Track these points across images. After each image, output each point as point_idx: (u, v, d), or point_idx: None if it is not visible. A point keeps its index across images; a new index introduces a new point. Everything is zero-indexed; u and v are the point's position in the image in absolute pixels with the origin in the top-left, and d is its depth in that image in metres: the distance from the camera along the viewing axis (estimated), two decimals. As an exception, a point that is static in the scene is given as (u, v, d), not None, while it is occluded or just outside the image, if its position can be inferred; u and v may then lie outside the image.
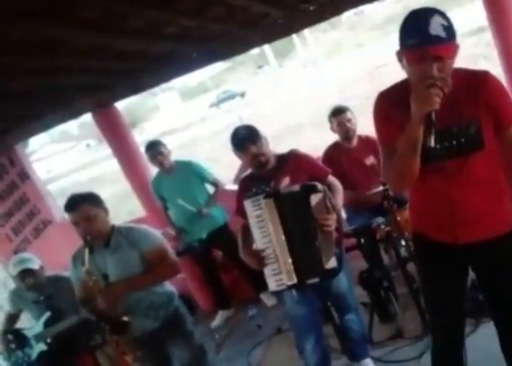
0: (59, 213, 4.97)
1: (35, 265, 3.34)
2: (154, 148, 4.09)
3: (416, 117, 1.58)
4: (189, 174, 4.13)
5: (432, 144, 1.57)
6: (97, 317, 2.45)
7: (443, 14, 1.58)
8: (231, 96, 31.98)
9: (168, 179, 4.13)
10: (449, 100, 1.64)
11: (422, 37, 1.55)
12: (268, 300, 4.25)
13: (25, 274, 3.31)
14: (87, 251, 2.40)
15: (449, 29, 1.56)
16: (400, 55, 1.67)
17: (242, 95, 30.74)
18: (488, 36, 3.89)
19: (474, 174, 1.75)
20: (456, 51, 1.62)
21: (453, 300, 1.98)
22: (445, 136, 1.68)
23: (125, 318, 2.43)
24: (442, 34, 1.54)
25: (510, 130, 1.72)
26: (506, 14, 3.63)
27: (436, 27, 1.54)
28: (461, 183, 1.75)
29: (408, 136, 1.62)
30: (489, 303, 2.02)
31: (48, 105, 4.13)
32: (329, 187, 2.55)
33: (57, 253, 3.14)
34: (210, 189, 4.27)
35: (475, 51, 12.21)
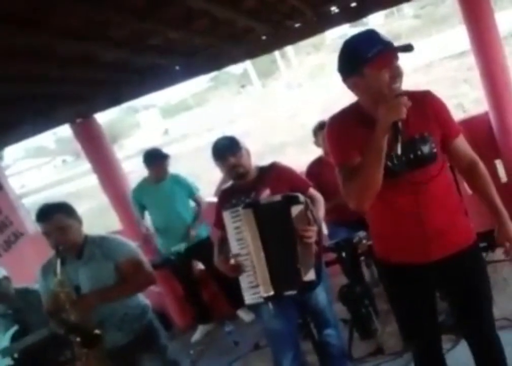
0: (31, 226, 4.87)
1: None
2: (166, 159, 4.07)
3: (383, 126, 1.61)
4: (176, 186, 4.11)
5: (399, 151, 1.62)
6: (67, 330, 2.34)
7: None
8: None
9: (154, 188, 4.09)
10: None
11: (382, 44, 1.65)
12: (246, 316, 4.17)
13: None
14: (59, 262, 2.32)
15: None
16: (351, 81, 1.72)
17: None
18: (470, 60, 3.97)
19: (435, 188, 1.78)
20: None
21: (425, 319, 1.97)
22: (406, 148, 1.70)
23: (97, 331, 2.34)
24: (390, 41, 1.69)
25: (457, 139, 1.83)
26: (488, 39, 3.71)
27: (384, 36, 1.68)
28: (426, 197, 1.77)
29: (373, 147, 1.63)
30: (458, 320, 2.03)
31: (25, 115, 4.04)
32: (310, 199, 2.52)
33: (28, 267, 3.03)
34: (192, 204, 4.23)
35: (456, 74, 12.47)
